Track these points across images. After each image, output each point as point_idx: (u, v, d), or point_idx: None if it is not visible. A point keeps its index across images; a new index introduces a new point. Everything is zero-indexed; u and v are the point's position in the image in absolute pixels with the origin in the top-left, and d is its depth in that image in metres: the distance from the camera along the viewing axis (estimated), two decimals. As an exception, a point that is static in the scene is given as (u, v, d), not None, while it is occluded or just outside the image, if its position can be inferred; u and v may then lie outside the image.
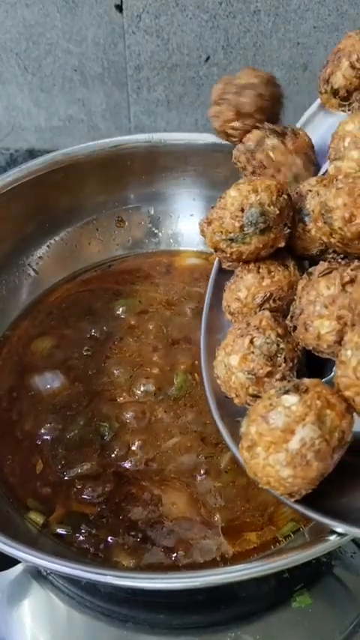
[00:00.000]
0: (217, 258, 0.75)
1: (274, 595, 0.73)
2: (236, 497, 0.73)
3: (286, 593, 0.73)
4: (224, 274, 0.73)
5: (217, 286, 0.75)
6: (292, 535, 0.70)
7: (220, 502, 0.73)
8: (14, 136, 1.30)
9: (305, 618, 0.72)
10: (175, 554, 0.69)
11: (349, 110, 0.72)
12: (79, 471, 0.76)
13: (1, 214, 0.93)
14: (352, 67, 0.69)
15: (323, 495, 0.56)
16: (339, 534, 0.59)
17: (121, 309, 0.94)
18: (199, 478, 0.75)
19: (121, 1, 1.09)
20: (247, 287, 0.67)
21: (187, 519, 0.72)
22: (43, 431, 0.80)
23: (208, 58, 1.15)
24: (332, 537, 0.59)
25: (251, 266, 0.67)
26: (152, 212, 1.05)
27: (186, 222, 1.05)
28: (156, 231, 1.06)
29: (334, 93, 0.72)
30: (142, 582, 0.61)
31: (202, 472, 0.75)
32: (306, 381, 0.55)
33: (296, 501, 0.56)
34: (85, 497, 0.74)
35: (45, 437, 0.80)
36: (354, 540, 0.73)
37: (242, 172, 0.74)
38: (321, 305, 0.58)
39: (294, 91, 1.17)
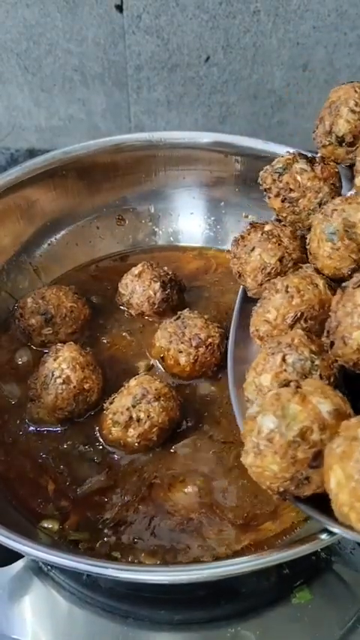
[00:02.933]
0: (241, 287, 0.73)
1: (274, 591, 0.74)
2: (245, 492, 0.73)
3: (285, 589, 0.73)
4: (248, 303, 0.71)
5: (243, 315, 0.72)
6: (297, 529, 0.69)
7: (231, 498, 0.73)
8: (15, 135, 1.30)
9: (305, 614, 0.72)
10: (192, 551, 0.69)
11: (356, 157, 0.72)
12: (87, 488, 0.74)
13: (2, 213, 0.94)
14: (353, 111, 0.71)
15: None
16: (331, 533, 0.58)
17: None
18: (209, 476, 0.75)
19: (122, 1, 1.09)
20: (276, 307, 0.64)
21: (200, 517, 0.71)
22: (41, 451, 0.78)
23: (208, 58, 1.16)
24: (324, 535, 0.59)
25: (279, 286, 0.64)
26: (152, 210, 1.05)
27: (186, 220, 1.05)
28: (156, 229, 1.06)
29: (340, 141, 0.72)
30: (144, 575, 0.61)
31: (210, 470, 0.75)
32: None
33: (300, 501, 0.56)
34: (99, 504, 0.73)
35: (43, 456, 0.77)
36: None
37: (265, 194, 0.72)
38: (359, 315, 0.55)
39: (294, 91, 1.18)
